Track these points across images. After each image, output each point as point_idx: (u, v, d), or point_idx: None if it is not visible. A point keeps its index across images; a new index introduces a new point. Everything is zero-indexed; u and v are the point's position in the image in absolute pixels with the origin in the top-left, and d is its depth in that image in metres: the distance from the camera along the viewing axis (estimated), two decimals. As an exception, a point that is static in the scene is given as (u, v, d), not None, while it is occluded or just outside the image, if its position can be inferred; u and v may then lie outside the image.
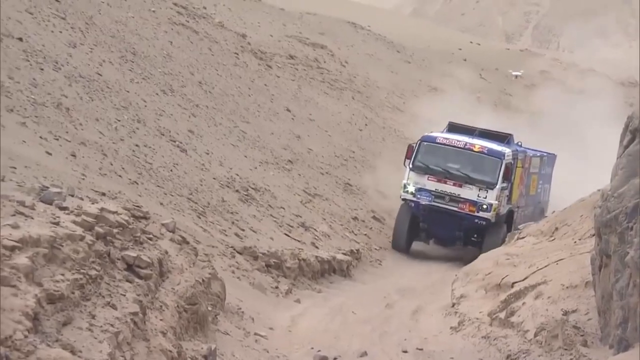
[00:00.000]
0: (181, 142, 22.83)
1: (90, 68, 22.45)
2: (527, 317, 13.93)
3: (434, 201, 26.15)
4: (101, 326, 8.90)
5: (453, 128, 28.32)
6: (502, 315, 14.88)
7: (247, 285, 17.39)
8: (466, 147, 26.50)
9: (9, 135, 15.35)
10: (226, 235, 19.34)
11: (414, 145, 26.67)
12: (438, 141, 26.85)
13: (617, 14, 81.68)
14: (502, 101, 46.53)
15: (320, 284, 20.39)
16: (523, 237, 21.83)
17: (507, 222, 27.39)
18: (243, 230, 20.36)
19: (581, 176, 28.25)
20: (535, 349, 13.07)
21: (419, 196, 26.18)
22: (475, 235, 26.69)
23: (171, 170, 20.66)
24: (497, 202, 25.95)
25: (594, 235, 13.81)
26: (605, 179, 13.40)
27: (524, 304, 14.55)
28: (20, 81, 18.45)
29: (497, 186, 25.97)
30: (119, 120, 20.96)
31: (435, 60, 51.29)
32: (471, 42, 63.32)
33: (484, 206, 25.82)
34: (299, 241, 22.20)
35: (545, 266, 15.72)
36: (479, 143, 26.72)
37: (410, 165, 26.38)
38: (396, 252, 26.92)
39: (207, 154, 23.60)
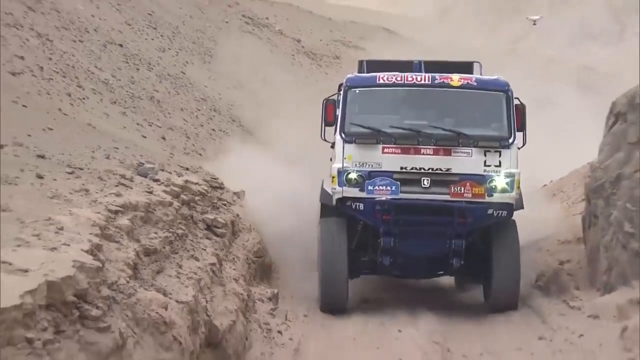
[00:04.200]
0: (249, 127, 22.90)
1: (176, 68, 22.61)
2: (530, 267, 13.83)
3: (401, 191, 11.51)
4: (187, 274, 8.98)
5: (374, 67, 12.92)
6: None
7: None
8: (437, 81, 11.96)
9: (113, 122, 15.51)
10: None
11: (336, 96, 12.25)
12: (381, 81, 12.01)
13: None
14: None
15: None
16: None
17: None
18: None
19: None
20: (536, 292, 13.01)
21: (370, 188, 11.50)
22: (461, 260, 11.71)
23: (241, 150, 20.78)
24: (519, 170, 11.73)
25: (584, 200, 13.68)
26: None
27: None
28: (121, 79, 18.61)
29: (514, 141, 11.73)
30: (199, 110, 21.09)
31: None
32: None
33: (500, 182, 11.52)
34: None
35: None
36: (454, 75, 12.11)
37: (342, 134, 11.79)
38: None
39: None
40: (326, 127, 12.15)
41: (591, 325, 11.30)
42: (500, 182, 11.52)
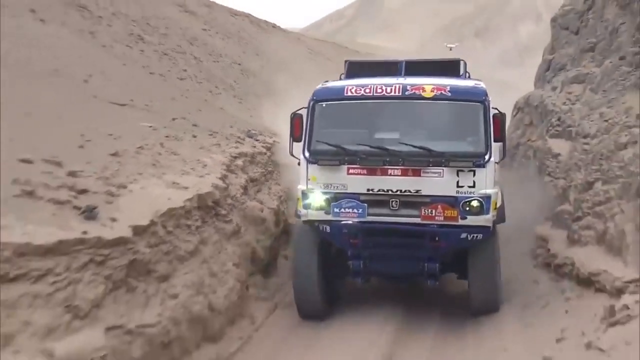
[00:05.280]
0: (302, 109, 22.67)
1: (269, 77, 22.39)
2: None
3: (369, 214, 5.85)
4: (274, 193, 9.02)
5: (356, 68, 7.42)
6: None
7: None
8: (408, 93, 5.84)
9: (234, 107, 15.58)
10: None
11: (305, 111, 6.42)
12: (349, 94, 6.10)
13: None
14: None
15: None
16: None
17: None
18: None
19: None
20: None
21: (337, 210, 5.91)
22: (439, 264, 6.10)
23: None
24: (496, 190, 5.84)
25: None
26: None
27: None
28: (239, 83, 18.64)
29: (490, 159, 5.66)
30: (280, 103, 20.98)
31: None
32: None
33: (476, 203, 5.69)
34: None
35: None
36: (428, 82, 5.95)
37: (307, 154, 6.06)
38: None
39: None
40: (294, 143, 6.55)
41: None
42: (474, 204, 5.95)
